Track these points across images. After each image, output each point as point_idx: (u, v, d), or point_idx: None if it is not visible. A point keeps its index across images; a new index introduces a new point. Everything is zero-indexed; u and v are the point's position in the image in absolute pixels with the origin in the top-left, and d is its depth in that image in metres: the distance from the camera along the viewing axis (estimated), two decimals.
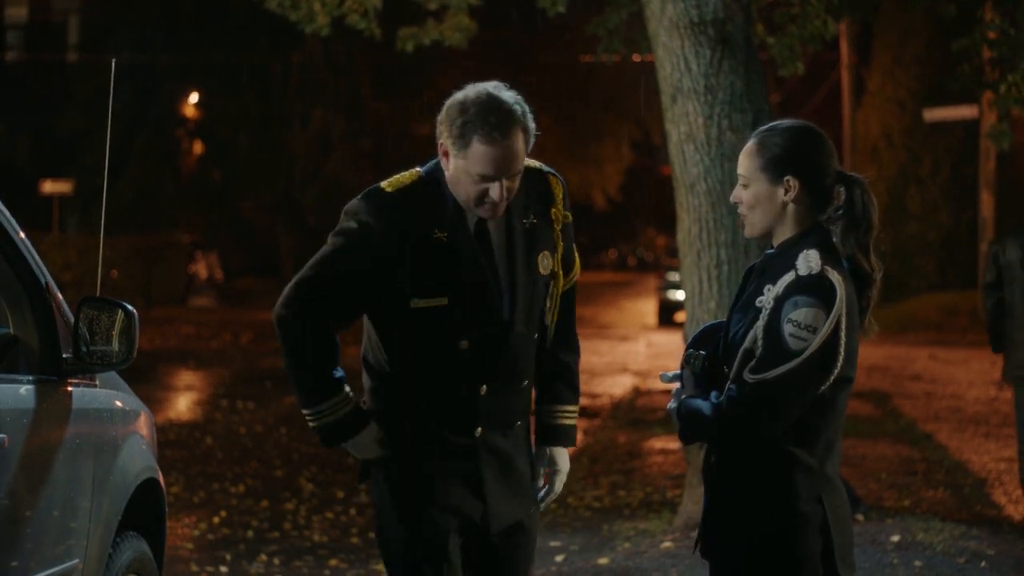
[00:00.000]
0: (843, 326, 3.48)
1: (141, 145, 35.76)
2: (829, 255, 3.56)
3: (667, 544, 7.85)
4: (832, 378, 3.52)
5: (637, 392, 17.29)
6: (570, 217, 4.05)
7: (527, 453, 4.10)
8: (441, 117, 3.83)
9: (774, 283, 3.52)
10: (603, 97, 42.71)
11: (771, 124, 3.72)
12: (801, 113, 37.36)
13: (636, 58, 13.21)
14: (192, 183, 39.14)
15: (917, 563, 7.23)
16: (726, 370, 3.61)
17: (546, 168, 4.04)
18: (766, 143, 3.64)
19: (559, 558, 7.83)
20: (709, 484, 3.71)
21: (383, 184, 3.89)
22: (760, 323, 3.51)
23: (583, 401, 15.43)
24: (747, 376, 3.49)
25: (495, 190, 3.78)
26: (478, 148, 3.76)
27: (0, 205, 4.15)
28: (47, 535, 4.09)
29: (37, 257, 4.32)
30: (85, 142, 34.11)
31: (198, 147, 40.18)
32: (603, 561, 7.62)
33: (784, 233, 3.62)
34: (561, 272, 4.03)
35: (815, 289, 3.47)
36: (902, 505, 9.07)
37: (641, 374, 19.34)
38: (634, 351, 23.95)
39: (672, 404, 3.72)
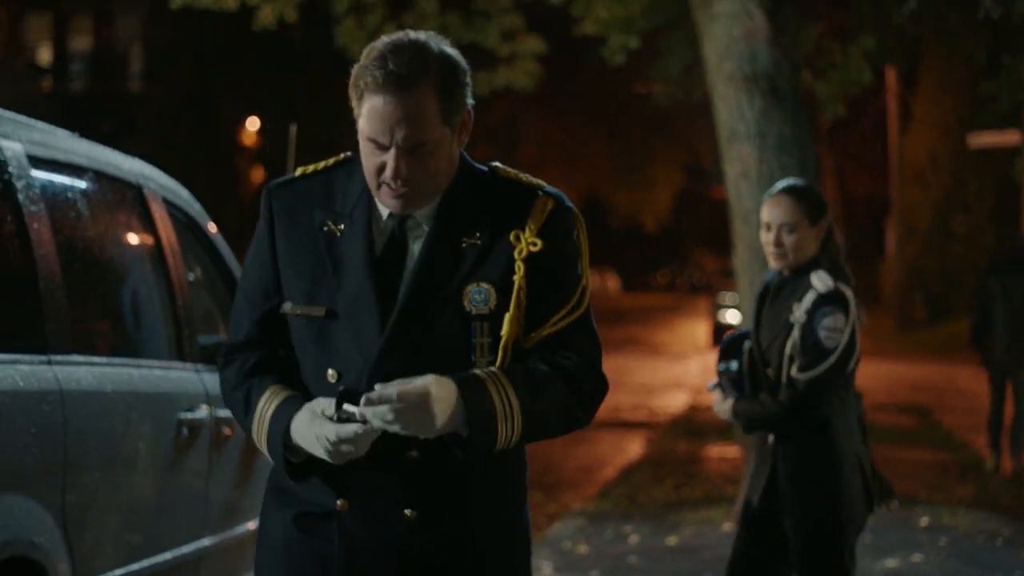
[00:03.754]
0: (856, 325, 4.74)
1: (203, 172, 36.89)
2: (839, 272, 4.81)
3: (728, 526, 9.06)
4: (853, 363, 4.77)
5: (692, 407, 18.41)
6: (539, 245, 2.95)
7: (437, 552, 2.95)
8: None
9: (800, 300, 4.73)
10: (654, 121, 43.60)
11: (791, 182, 4.95)
12: (849, 137, 38.42)
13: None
14: (254, 210, 40.19)
15: (942, 542, 8.46)
16: (768, 370, 4.83)
17: (546, 188, 3.01)
18: (804, 196, 4.86)
19: (633, 539, 9.03)
20: (769, 462, 4.89)
21: (299, 168, 3.16)
22: (796, 333, 4.72)
23: (641, 414, 16.53)
24: (797, 375, 4.71)
25: (390, 162, 2.87)
26: (368, 101, 2.87)
27: (214, 230, 5.45)
28: (254, 503, 5.36)
29: None
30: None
31: (258, 174, 41.36)
32: (672, 541, 8.82)
33: (804, 260, 4.81)
34: (517, 317, 2.95)
35: (834, 300, 4.71)
36: (934, 498, 10.26)
37: (696, 390, 20.47)
38: (688, 369, 25.07)
39: (721, 407, 4.93)
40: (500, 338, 2.93)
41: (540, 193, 2.99)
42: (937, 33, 12.94)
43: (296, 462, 2.93)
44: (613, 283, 67.88)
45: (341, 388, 2.83)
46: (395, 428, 2.78)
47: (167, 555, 4.54)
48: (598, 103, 43.40)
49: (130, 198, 4.86)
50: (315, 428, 2.83)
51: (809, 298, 4.74)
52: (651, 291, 74.10)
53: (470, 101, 2.94)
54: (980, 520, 9.13)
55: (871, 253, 40.02)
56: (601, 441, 14.84)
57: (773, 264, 4.87)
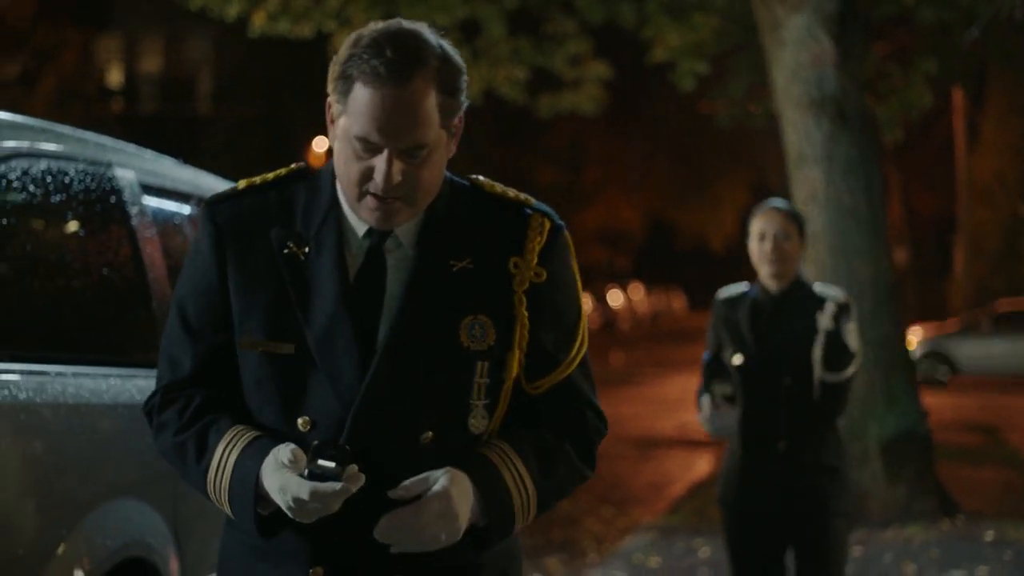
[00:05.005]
0: None
1: None
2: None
3: None
4: None
5: None
6: (544, 275, 2.59)
7: None
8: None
9: (822, 310, 5.08)
10: (720, 140, 43.58)
11: (775, 201, 5.33)
12: (916, 156, 38.40)
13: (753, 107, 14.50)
14: None
15: (1007, 556, 8.66)
16: (785, 379, 5.08)
17: (535, 204, 2.64)
18: (794, 214, 5.27)
19: (704, 552, 9.24)
20: (782, 466, 5.12)
21: (242, 180, 2.70)
22: (821, 339, 5.06)
23: (700, 439, 16.55)
24: (832, 377, 5.05)
25: (381, 167, 2.46)
26: (359, 94, 2.45)
27: None
28: None
29: None
30: None
31: None
32: None
33: (794, 275, 5.20)
34: (519, 356, 2.59)
35: (850, 309, 5.15)
36: (1000, 513, 10.43)
37: None
38: None
39: (720, 420, 5.09)
40: (502, 380, 2.58)
41: (529, 211, 2.61)
42: (1002, 58, 13.09)
43: (265, 515, 2.52)
44: (679, 302, 67.84)
45: (316, 442, 2.44)
46: (415, 544, 2.45)
47: None
48: (663, 123, 43.52)
49: None
50: (280, 480, 2.44)
51: (831, 307, 5.11)
52: None
53: (465, 103, 2.55)
54: None
55: (937, 272, 39.98)
56: (669, 458, 15.06)
57: (768, 271, 5.18)
